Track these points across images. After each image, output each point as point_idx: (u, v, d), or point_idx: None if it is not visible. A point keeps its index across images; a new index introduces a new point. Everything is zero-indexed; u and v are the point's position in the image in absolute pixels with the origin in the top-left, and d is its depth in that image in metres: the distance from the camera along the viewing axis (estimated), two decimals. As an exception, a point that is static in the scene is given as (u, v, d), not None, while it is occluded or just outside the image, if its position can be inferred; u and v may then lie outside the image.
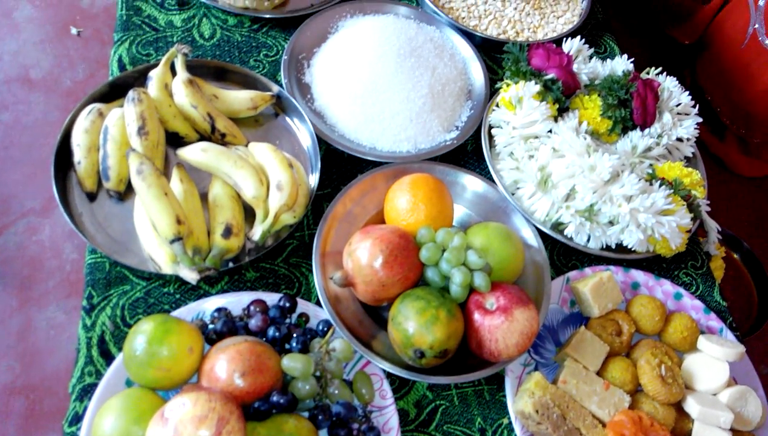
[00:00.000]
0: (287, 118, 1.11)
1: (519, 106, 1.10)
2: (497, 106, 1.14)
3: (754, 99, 1.92)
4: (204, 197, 0.97)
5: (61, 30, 2.01)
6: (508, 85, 1.14)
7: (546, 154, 1.04)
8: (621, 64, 1.17)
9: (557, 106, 1.11)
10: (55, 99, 1.85)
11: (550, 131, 1.07)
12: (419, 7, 1.30)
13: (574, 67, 1.15)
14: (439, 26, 1.26)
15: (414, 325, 0.79)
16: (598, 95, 1.12)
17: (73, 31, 2.02)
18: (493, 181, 1.05)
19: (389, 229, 0.88)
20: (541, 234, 1.00)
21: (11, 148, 1.75)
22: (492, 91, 1.19)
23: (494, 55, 1.28)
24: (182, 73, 1.03)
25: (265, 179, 0.96)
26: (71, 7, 2.06)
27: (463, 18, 1.30)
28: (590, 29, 1.35)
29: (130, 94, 0.97)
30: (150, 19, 1.18)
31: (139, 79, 1.05)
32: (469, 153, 1.15)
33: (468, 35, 1.25)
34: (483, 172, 1.11)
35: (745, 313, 1.74)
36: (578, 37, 1.19)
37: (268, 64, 1.17)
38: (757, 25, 1.88)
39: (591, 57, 1.21)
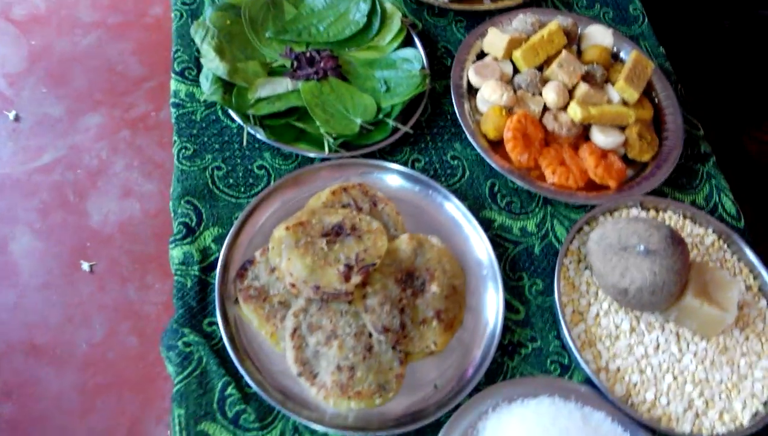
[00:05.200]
0: None
1: None
2: None
3: None
4: None
5: (69, 265, 1.65)
6: None
7: None
8: None
9: None
10: (70, 374, 1.49)
11: None
12: (569, 379, 0.97)
13: None
14: (609, 411, 0.92)
15: None
16: None
17: (85, 266, 1.65)
18: None
19: None
20: None
21: (19, 457, 1.39)
22: None
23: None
24: None
25: None
26: (79, 229, 1.69)
27: (636, 387, 0.96)
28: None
29: None
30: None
31: None
32: None
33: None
34: None
35: None
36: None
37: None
38: None
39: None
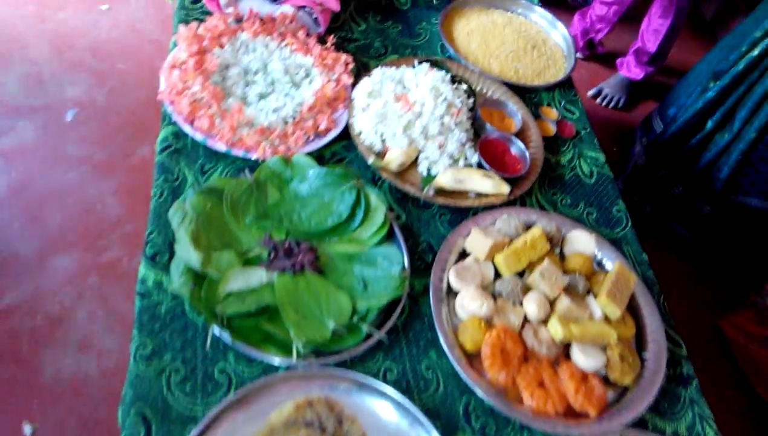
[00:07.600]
0: None
1: None
2: None
3: None
4: None
5: (9, 427, 1.51)
6: None
7: None
8: None
9: None
10: None
11: None
12: None
13: None
14: None
15: None
16: None
17: (27, 430, 1.51)
18: None
19: None
20: None
21: None
22: None
23: None
24: None
25: None
26: (27, 385, 1.56)
27: None
28: None
29: None
30: None
31: None
32: None
33: None
34: None
35: None
36: None
37: None
38: None
39: None
